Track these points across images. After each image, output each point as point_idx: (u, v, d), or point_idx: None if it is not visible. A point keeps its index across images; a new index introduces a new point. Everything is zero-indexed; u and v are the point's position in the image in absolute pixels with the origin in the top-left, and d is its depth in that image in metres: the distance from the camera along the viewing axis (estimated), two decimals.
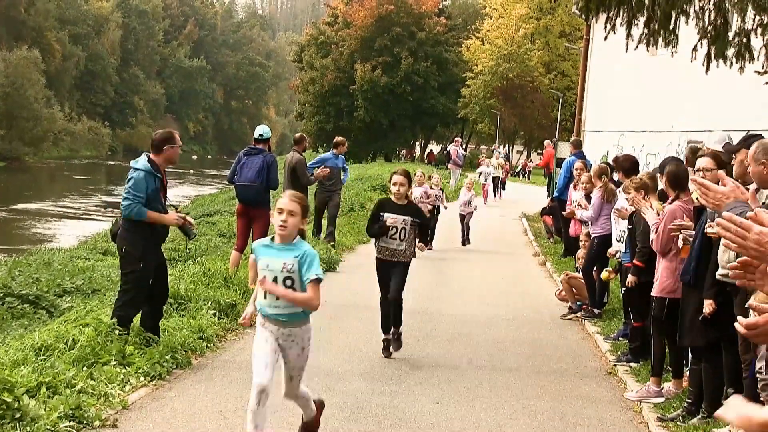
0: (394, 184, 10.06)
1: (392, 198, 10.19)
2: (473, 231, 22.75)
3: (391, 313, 10.27)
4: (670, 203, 9.00)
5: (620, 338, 11.49)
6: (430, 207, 18.93)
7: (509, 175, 55.78)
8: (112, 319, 9.29)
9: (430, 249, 19.10)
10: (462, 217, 22.42)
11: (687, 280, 8.04)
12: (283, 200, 6.35)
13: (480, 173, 37.05)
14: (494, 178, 38.45)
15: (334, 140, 20.25)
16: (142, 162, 9.32)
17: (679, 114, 20.70)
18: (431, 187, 20.24)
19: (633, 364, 10.24)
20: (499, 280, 17.27)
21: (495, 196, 38.13)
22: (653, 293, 9.05)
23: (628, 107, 24.69)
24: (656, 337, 9.03)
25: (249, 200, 14.08)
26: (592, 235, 13.26)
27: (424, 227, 10.23)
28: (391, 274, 10.13)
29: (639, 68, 23.32)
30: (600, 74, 27.44)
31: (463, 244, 22.16)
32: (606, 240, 12.74)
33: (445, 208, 21.64)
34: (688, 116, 20.21)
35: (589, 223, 13.37)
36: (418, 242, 10.18)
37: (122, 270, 9.49)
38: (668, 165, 9.24)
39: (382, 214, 9.99)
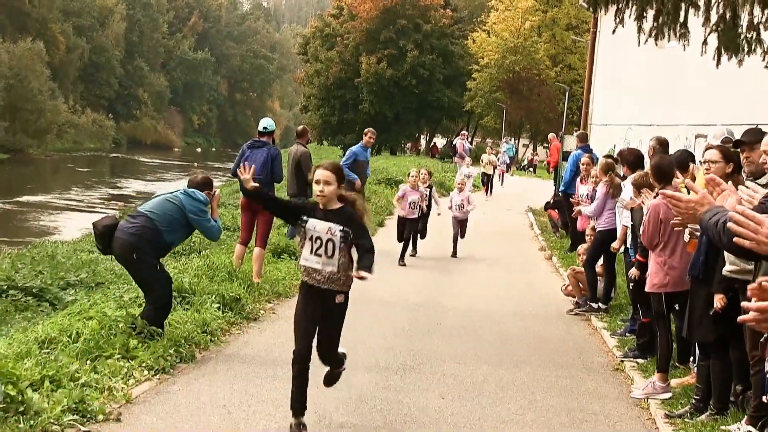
0: (317, 182, 6.91)
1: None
2: (472, 229, 20.50)
3: (324, 377, 7.72)
4: (655, 197, 9.02)
5: (627, 334, 11.46)
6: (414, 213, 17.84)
7: (509, 170, 55.58)
8: (143, 318, 9.28)
9: (413, 255, 18.15)
10: (456, 222, 19.24)
11: (695, 274, 8.02)
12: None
13: (463, 173, 30.59)
14: (485, 176, 37.08)
15: (365, 131, 19.93)
16: (201, 194, 9.75)
17: (687, 107, 20.64)
18: (413, 188, 18.02)
19: (640, 360, 10.20)
20: (505, 275, 17.24)
21: (487, 194, 36.45)
22: (646, 289, 9.08)
23: (636, 100, 24.64)
24: (662, 332, 9.01)
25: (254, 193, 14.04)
26: (597, 229, 13.24)
27: (361, 246, 6.89)
28: (320, 313, 7.13)
29: (647, 61, 23.27)
30: (607, 67, 27.39)
31: (454, 254, 19.01)
32: (610, 234, 12.72)
33: (438, 213, 18.91)
34: (695, 110, 20.16)
35: (594, 216, 13.36)
36: (357, 269, 6.81)
37: (139, 279, 9.45)
38: (654, 157, 9.28)
39: (303, 217, 7.00)
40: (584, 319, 13.05)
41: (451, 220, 19.31)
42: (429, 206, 18.62)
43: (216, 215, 9.93)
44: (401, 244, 17.69)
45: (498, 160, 45.06)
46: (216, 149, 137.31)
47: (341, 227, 6.90)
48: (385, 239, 18.95)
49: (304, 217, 7.02)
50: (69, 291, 13.57)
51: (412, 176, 17.94)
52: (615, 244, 12.18)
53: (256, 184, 7.30)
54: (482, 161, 37.37)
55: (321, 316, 7.12)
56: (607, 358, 10.79)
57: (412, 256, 18.08)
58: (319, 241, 6.94)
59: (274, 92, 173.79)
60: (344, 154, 19.70)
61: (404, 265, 17.14)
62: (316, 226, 6.95)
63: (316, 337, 7.22)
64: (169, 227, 9.44)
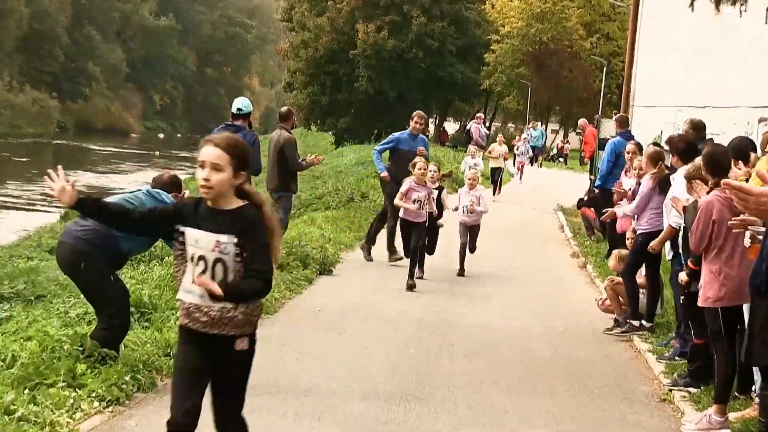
0: (201, 165, 5.67)
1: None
2: (490, 232, 20.47)
3: None
4: (707, 192, 9.02)
5: (677, 357, 11.46)
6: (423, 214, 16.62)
7: (537, 161, 55.46)
8: (92, 339, 9.25)
9: (420, 277, 16.83)
10: (464, 230, 18.10)
11: (757, 285, 8.02)
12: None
13: (467, 164, 31.31)
14: (494, 171, 35.13)
15: (413, 114, 19.24)
16: (167, 195, 9.74)
17: (748, 87, 20.64)
18: (420, 183, 16.67)
19: (693, 390, 10.19)
20: (530, 286, 17.25)
21: (494, 194, 34.03)
22: (699, 303, 9.13)
23: (686, 78, 24.64)
24: (719, 355, 9.00)
25: None
26: (637, 232, 13.22)
27: (251, 273, 5.63)
28: (211, 367, 5.88)
29: (700, 31, 23.28)
30: (652, 38, 27.38)
31: (461, 272, 17.89)
32: (653, 238, 12.72)
33: (441, 225, 17.88)
34: (758, 89, 20.16)
35: (635, 217, 13.33)
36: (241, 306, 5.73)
37: (94, 290, 9.43)
38: (706, 146, 9.27)
39: (178, 227, 5.81)
40: (625, 339, 13.05)
41: (458, 227, 18.06)
42: (439, 213, 17.41)
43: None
44: (407, 260, 16.65)
45: (517, 149, 44.85)
46: (182, 135, 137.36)
47: (236, 239, 5.60)
48: (383, 244, 18.91)
49: (180, 227, 5.76)
50: (3, 305, 13.53)
51: (419, 168, 16.42)
52: (654, 244, 12.16)
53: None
54: (491, 152, 35.32)
55: (213, 370, 5.80)
56: (653, 386, 10.78)
57: (419, 278, 16.64)
58: (203, 263, 5.68)
59: (253, 67, 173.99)
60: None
61: (413, 286, 15.91)
62: (198, 239, 5.67)
63: (212, 397, 5.92)
64: (126, 233, 9.42)
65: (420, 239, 16.48)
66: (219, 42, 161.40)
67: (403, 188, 16.46)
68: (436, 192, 17.07)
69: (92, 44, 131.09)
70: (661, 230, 12.45)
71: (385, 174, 18.27)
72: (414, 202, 16.32)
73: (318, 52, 71.16)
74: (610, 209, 14.69)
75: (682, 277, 10.12)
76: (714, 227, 8.84)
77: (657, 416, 9.61)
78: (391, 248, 18.37)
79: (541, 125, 75.12)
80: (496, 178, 35.04)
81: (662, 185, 12.71)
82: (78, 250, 9.19)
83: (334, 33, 71.11)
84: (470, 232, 18.07)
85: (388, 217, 18.38)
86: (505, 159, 37.01)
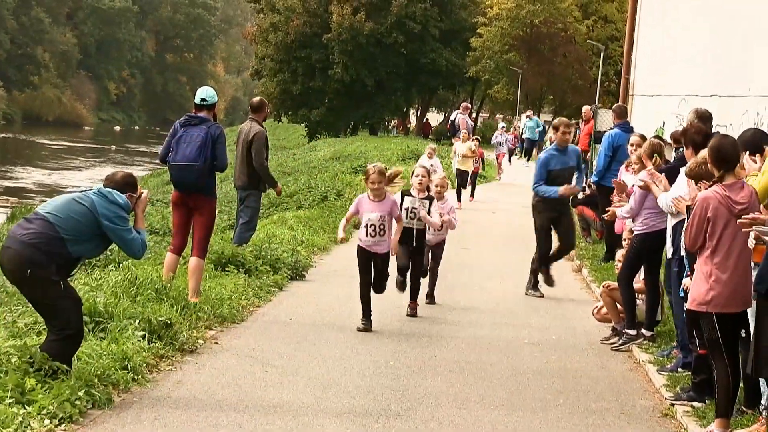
0: None
1: None
2: (478, 233, 19.97)
3: None
4: (708, 187, 9.08)
5: (680, 369, 11.52)
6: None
7: (529, 156, 54.64)
8: (43, 351, 9.23)
9: (430, 302, 15.59)
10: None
11: (763, 291, 8.10)
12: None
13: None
14: (460, 174, 31.10)
15: (556, 123, 17.33)
16: (120, 196, 9.71)
17: (759, 74, 20.73)
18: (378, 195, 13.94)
19: (696, 404, 10.25)
20: (521, 293, 17.28)
21: (460, 200, 29.85)
22: (686, 305, 9.28)
23: (691, 64, 24.72)
24: (719, 365, 9.07)
25: (188, 185, 13.97)
26: (633, 233, 13.28)
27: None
28: None
29: (706, 12, 23.36)
30: (654, 21, 27.46)
31: (428, 298, 15.71)
32: (650, 239, 12.78)
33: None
34: None
35: (632, 216, 13.38)
36: None
37: (43, 300, 9.41)
38: (713, 138, 9.32)
39: None
40: (623, 350, 13.11)
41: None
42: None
43: (142, 225, 9.94)
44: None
45: (495, 139, 44.41)
46: (140, 128, 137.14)
47: None
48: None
49: None
50: None
51: (418, 177, 14.66)
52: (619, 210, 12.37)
53: None
54: (455, 152, 32.16)
55: None
56: (654, 400, 10.84)
57: (411, 315, 14.68)
58: None
59: (217, 52, 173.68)
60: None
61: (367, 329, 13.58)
62: None
63: None
64: (74, 236, 9.38)
65: (382, 278, 13.83)
66: (180, 25, 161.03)
67: (351, 209, 13.88)
68: (422, 206, 14.45)
69: (41, 28, 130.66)
70: (658, 230, 12.51)
71: (569, 189, 16.76)
72: (367, 226, 13.45)
73: (289, 36, 71.18)
74: (611, 208, 14.64)
75: (686, 283, 10.18)
76: (708, 225, 8.90)
77: None
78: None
79: (531, 113, 75.23)
80: (461, 183, 31.03)
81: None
82: (23, 256, 9.15)
83: (306, 15, 71.14)
84: (432, 252, 15.73)
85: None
86: (479, 157, 33.38)
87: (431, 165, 24.71)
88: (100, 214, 9.44)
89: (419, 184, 14.51)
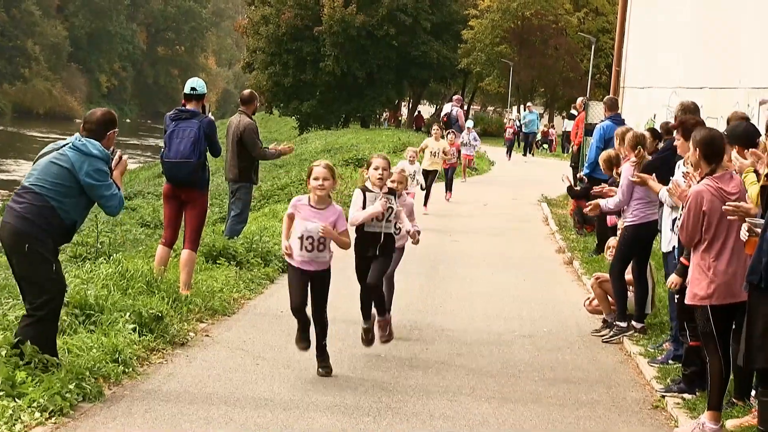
0: None
1: None
2: (467, 226, 20.41)
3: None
4: (699, 180, 9.09)
5: (671, 361, 11.53)
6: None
7: (530, 149, 53.65)
8: (17, 338, 9.22)
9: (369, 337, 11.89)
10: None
11: (756, 282, 8.10)
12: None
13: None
14: (426, 174, 26.30)
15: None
16: (95, 146, 9.61)
17: (748, 66, 20.74)
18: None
19: (687, 396, 10.26)
20: (512, 285, 17.29)
21: (426, 204, 26.18)
22: (686, 301, 9.29)
23: (682, 57, 24.72)
24: (712, 357, 9.09)
25: (180, 180, 13.96)
26: (624, 224, 13.29)
27: None
28: None
29: (697, 4, 23.37)
30: (646, 13, 27.45)
31: (380, 314, 11.91)
32: (641, 230, 12.80)
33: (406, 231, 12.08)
34: (759, 69, 20.24)
35: (621, 211, 13.39)
36: None
37: (25, 277, 9.40)
38: (699, 130, 9.34)
39: None
40: (614, 342, 13.12)
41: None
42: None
43: (120, 185, 9.86)
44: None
45: (466, 142, 38.67)
46: (131, 120, 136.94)
47: None
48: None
49: None
50: None
51: (377, 170, 11.42)
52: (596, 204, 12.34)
53: None
54: (423, 149, 27.78)
55: None
56: (644, 392, 10.86)
57: (385, 340, 12.03)
58: None
59: (209, 45, 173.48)
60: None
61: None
62: None
63: None
64: (63, 200, 9.35)
65: (322, 305, 10.97)
66: (171, 18, 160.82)
67: (289, 209, 10.88)
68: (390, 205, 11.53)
69: (31, 20, 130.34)
70: (649, 221, 12.53)
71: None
72: (308, 241, 10.59)
73: (280, 28, 71.14)
74: (593, 201, 14.63)
75: (672, 279, 10.21)
76: (704, 219, 8.92)
77: (648, 425, 9.68)
78: None
79: (525, 109, 75.15)
80: (430, 185, 26.69)
81: (649, 170, 12.72)
82: (21, 230, 9.18)
83: (297, 8, 71.10)
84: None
85: None
86: (447, 160, 29.04)
87: (414, 172, 22.30)
88: (78, 170, 9.38)
89: (378, 179, 11.24)
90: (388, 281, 12.56)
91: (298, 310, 10.68)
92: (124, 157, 10.07)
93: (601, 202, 13.70)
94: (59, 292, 9.42)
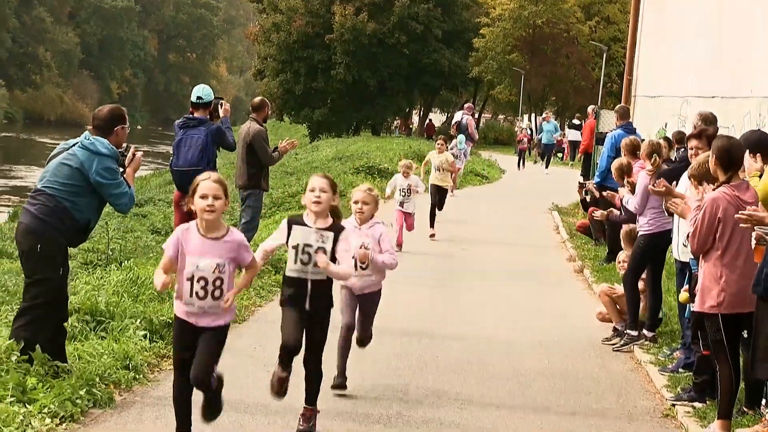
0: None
1: None
2: (477, 235, 20.55)
3: None
4: (715, 188, 9.09)
5: (681, 369, 11.52)
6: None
7: (548, 160, 51.19)
8: (11, 339, 9.27)
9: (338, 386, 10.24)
10: (350, 298, 10.66)
11: (760, 293, 8.11)
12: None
13: (397, 188, 21.07)
14: (436, 192, 23.94)
15: None
16: (103, 144, 9.63)
17: (760, 75, 20.72)
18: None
19: (697, 404, 10.26)
20: (523, 293, 17.28)
21: (433, 225, 23.17)
22: (694, 308, 9.32)
23: (694, 65, 24.71)
24: (722, 366, 9.08)
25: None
26: (639, 233, 13.28)
27: None
28: None
29: (709, 14, 23.35)
30: (657, 22, 27.45)
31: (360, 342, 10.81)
32: (656, 239, 12.79)
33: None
34: None
35: (636, 218, 13.40)
36: None
37: (30, 276, 9.47)
38: (718, 138, 9.35)
39: None
40: (625, 350, 13.10)
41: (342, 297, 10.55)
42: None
43: (131, 183, 9.89)
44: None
45: (455, 155, 36.07)
46: (142, 127, 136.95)
47: None
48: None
49: None
50: None
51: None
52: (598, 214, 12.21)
53: None
54: (426, 164, 25.78)
55: None
56: (655, 401, 10.85)
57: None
58: None
59: (220, 52, 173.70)
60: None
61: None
62: None
63: None
64: (76, 200, 9.42)
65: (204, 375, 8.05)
66: (182, 25, 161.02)
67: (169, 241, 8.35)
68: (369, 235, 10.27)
69: (43, 27, 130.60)
70: (664, 230, 12.51)
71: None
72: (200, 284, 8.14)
73: (291, 36, 71.11)
74: (601, 213, 14.63)
75: (683, 297, 10.22)
76: (719, 226, 8.91)
77: None
78: None
79: (534, 117, 75.05)
80: (436, 202, 23.90)
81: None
82: (35, 231, 9.26)
83: (308, 15, 71.08)
84: (361, 308, 10.69)
85: None
86: (453, 175, 26.95)
87: (409, 186, 20.72)
88: (87, 169, 9.43)
89: (315, 202, 8.82)
90: (361, 340, 10.67)
91: (179, 387, 8.17)
92: (138, 153, 10.09)
93: (624, 196, 13.71)
94: (57, 299, 9.44)
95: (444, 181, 24.30)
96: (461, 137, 35.74)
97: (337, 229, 8.83)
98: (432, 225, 22.95)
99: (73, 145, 9.70)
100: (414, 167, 22.36)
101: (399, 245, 20.02)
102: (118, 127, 9.90)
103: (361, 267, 10.09)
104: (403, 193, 20.68)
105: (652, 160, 13.04)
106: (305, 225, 8.77)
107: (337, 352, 10.27)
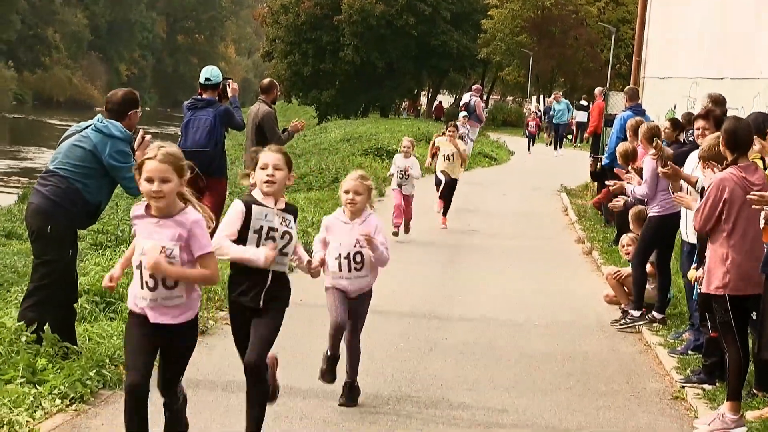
0: None
1: None
2: (487, 215, 20.79)
3: None
4: (723, 169, 9.07)
5: (690, 351, 11.51)
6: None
7: (560, 144, 49.05)
8: (19, 321, 9.28)
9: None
10: (338, 301, 9.42)
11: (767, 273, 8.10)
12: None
13: (396, 168, 20.19)
14: (447, 183, 21.75)
15: None
16: (116, 128, 9.69)
17: None
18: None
19: (707, 386, 10.24)
20: (531, 275, 17.27)
21: (445, 214, 21.78)
22: (702, 289, 9.30)
23: (704, 46, 24.63)
24: (730, 348, 9.07)
25: (199, 169, 14.02)
26: (649, 215, 13.25)
27: None
28: None
29: None
30: (666, 2, 27.35)
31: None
32: (666, 221, 12.77)
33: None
34: None
35: (646, 201, 13.37)
36: None
37: (39, 256, 9.49)
38: (726, 121, 9.34)
39: None
40: (633, 332, 13.09)
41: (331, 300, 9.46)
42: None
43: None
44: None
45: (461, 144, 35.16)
46: (151, 109, 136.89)
47: None
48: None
49: None
50: None
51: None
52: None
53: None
54: (435, 152, 22.53)
55: None
56: (664, 383, 10.84)
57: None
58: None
59: (228, 34, 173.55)
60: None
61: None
62: None
63: None
64: (87, 182, 9.45)
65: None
66: (191, 6, 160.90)
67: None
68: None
69: (52, 8, 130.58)
70: (674, 212, 12.49)
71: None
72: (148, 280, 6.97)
73: (299, 17, 71.04)
74: (618, 183, 14.57)
75: (692, 275, 10.20)
76: (724, 207, 8.90)
77: (668, 415, 9.66)
78: None
79: (543, 98, 74.85)
80: (445, 194, 21.88)
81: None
82: (46, 211, 9.28)
83: None
84: (354, 312, 9.43)
85: None
86: (463, 162, 22.86)
87: (407, 167, 19.75)
88: (101, 151, 9.47)
89: (267, 182, 7.78)
90: (351, 353, 9.41)
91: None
92: (147, 136, 10.10)
93: (627, 187, 13.71)
94: (65, 280, 9.45)
95: (453, 172, 21.70)
96: (462, 114, 35.01)
97: (293, 211, 7.89)
98: (443, 214, 21.43)
99: (86, 127, 9.73)
100: (415, 147, 21.25)
101: (396, 226, 19.03)
102: (131, 111, 9.95)
103: (355, 268, 8.97)
104: (401, 175, 19.74)
105: (654, 144, 13.01)
106: (264, 206, 7.71)
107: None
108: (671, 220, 12.71)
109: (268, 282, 7.71)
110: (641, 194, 13.30)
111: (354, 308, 9.22)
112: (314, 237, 9.27)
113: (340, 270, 9.06)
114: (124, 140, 9.61)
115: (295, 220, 7.87)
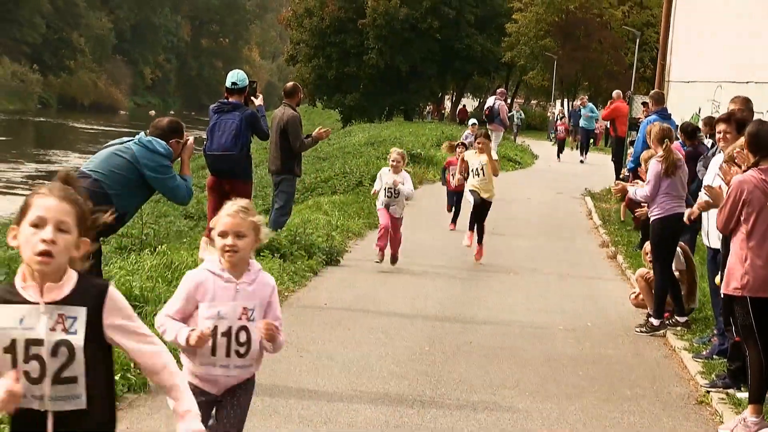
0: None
1: None
2: (511, 220, 20.80)
3: None
4: (744, 171, 9.08)
5: (715, 356, 11.48)
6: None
7: (586, 150, 46.17)
8: None
9: None
10: None
11: None
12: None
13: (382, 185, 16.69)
14: (477, 206, 18.37)
15: None
16: (160, 144, 9.87)
17: None
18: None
19: (731, 391, 10.23)
20: (555, 279, 17.26)
21: (471, 230, 18.63)
22: (722, 290, 9.34)
23: (729, 50, 24.59)
24: (752, 350, 9.07)
25: (225, 172, 14.13)
26: (651, 219, 13.28)
27: None
28: None
29: None
30: (691, 6, 27.31)
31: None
32: (667, 222, 12.78)
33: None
34: None
35: (647, 201, 13.41)
36: None
37: None
38: (750, 124, 9.38)
39: None
40: (658, 336, 13.07)
41: None
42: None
43: (187, 171, 10.02)
44: None
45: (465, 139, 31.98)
46: (175, 112, 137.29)
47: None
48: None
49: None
50: None
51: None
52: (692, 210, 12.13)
53: None
54: (462, 167, 19.29)
55: None
56: (689, 387, 10.82)
57: None
58: None
59: (252, 37, 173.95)
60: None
61: None
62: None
63: None
64: (119, 190, 9.52)
65: None
66: (215, 10, 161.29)
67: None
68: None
69: (76, 12, 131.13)
70: (675, 214, 12.53)
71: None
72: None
73: (324, 21, 71.18)
74: (622, 184, 14.65)
75: (719, 280, 10.19)
76: (743, 208, 8.92)
77: (693, 420, 9.65)
78: None
79: (567, 102, 74.68)
80: (476, 217, 18.51)
81: (671, 169, 12.80)
82: None
83: (341, 0, 71.07)
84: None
85: None
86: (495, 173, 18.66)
87: (396, 182, 16.29)
88: (143, 165, 9.59)
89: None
90: None
91: None
92: (190, 139, 10.22)
93: (630, 189, 13.80)
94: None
95: (486, 191, 18.34)
96: (472, 120, 33.59)
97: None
98: (479, 240, 18.24)
99: (127, 141, 9.85)
100: (406, 159, 17.84)
101: (381, 250, 16.40)
102: (173, 140, 10.00)
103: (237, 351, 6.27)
104: (389, 193, 16.38)
105: (663, 146, 13.03)
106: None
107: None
108: (672, 222, 12.72)
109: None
110: (642, 196, 13.35)
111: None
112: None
113: (214, 354, 6.45)
114: (166, 157, 9.79)
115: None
